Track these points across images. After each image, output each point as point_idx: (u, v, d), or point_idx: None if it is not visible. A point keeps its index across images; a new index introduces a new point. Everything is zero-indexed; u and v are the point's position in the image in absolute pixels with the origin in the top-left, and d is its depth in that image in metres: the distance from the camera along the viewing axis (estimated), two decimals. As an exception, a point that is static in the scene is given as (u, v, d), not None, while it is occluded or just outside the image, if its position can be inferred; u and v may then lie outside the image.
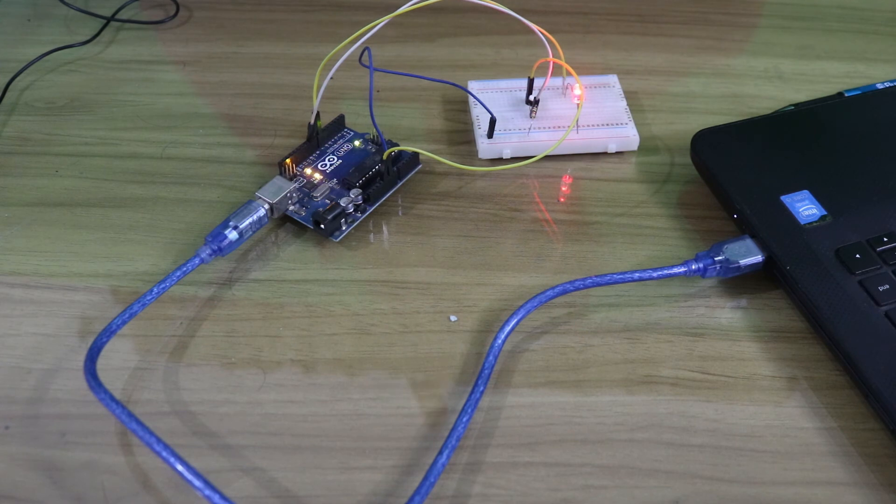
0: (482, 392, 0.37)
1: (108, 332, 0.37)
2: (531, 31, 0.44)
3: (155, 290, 0.39)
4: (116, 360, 0.38)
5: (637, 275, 0.40)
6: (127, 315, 0.38)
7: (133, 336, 0.39)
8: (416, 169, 0.46)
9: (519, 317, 0.39)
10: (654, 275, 0.40)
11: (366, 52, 0.42)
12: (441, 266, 0.42)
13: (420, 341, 0.39)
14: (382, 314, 0.40)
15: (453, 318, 0.40)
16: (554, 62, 0.46)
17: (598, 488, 0.35)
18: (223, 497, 0.33)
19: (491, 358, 0.38)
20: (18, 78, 0.51)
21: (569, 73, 0.47)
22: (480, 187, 0.46)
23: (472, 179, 0.46)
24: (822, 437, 0.36)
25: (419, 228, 0.44)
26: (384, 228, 0.44)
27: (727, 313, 0.41)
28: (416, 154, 0.45)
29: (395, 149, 0.44)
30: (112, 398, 0.35)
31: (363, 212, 0.44)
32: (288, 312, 0.40)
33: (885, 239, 0.40)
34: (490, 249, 0.43)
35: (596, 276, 0.40)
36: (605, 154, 0.48)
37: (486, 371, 0.37)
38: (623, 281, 0.40)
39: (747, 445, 0.36)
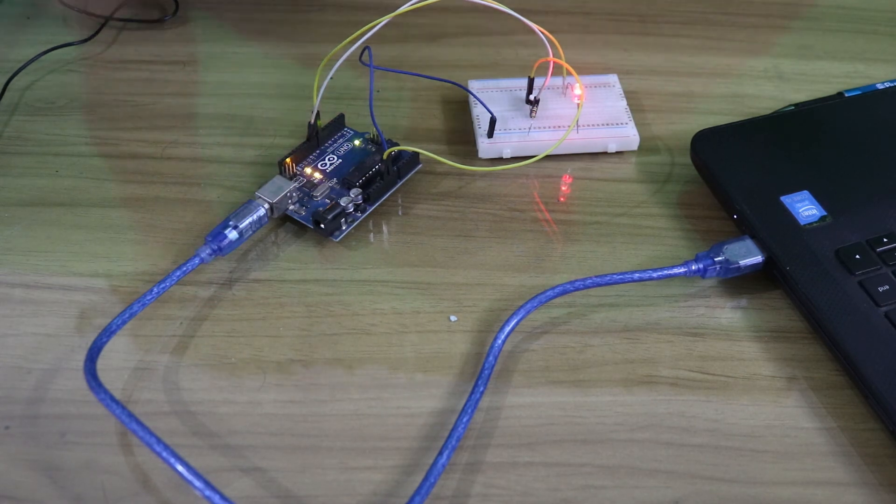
0: (482, 392, 0.37)
1: (107, 332, 0.37)
2: (531, 31, 0.44)
3: (155, 290, 0.39)
4: (116, 360, 0.38)
5: (637, 275, 0.40)
6: (127, 315, 0.38)
7: (133, 336, 0.39)
8: (416, 169, 0.46)
9: (519, 317, 0.39)
10: (654, 275, 0.40)
11: (366, 52, 0.42)
12: (441, 266, 0.42)
13: (420, 341, 0.39)
14: (382, 314, 0.40)
15: (453, 318, 0.40)
16: (554, 62, 0.46)
17: (598, 488, 0.35)
18: (223, 497, 0.33)
19: (491, 358, 0.38)
20: (18, 78, 0.51)
21: (569, 73, 0.47)
22: (480, 187, 0.46)
23: (472, 179, 0.46)
24: (822, 437, 0.36)
25: (419, 228, 0.44)
26: (384, 228, 0.44)
27: (727, 313, 0.41)
28: (416, 154, 0.45)
29: (395, 148, 0.44)
30: (112, 398, 0.35)
31: (363, 211, 0.44)
32: (288, 312, 0.40)
33: (885, 239, 0.40)
34: (490, 249, 0.43)
35: (596, 276, 0.40)
36: (605, 154, 0.48)
37: (486, 371, 0.37)
38: (623, 281, 0.40)
39: (747, 445, 0.36)
